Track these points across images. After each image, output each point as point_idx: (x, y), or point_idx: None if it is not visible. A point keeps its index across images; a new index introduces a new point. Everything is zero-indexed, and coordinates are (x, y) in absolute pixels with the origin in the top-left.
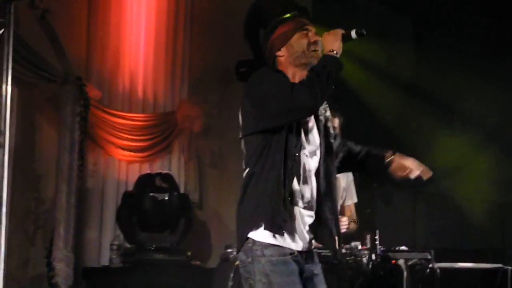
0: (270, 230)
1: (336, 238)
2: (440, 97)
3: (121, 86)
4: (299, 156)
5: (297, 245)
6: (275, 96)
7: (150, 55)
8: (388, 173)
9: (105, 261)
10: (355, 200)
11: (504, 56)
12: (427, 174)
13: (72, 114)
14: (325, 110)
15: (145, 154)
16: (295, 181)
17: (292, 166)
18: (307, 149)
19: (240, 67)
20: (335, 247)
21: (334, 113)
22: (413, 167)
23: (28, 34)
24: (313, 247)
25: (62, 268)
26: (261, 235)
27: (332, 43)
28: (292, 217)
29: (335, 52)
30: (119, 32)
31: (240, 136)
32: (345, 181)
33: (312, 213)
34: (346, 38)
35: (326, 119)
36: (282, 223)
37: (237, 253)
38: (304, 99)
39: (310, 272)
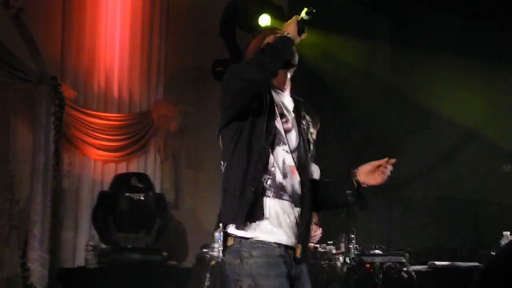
0: (245, 222)
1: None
2: (416, 96)
3: (96, 85)
4: (269, 148)
5: (284, 239)
6: (228, 80)
7: (125, 55)
8: (361, 193)
9: (80, 262)
10: None
11: (480, 56)
12: (391, 163)
13: (47, 114)
14: (308, 125)
15: (121, 154)
16: (277, 173)
17: (259, 157)
18: (287, 146)
19: (216, 67)
20: (307, 247)
21: (313, 119)
22: (380, 170)
23: (2, 33)
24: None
25: (37, 269)
26: (241, 230)
27: (287, 27)
28: (274, 209)
29: (286, 33)
30: (94, 32)
31: (217, 132)
32: None
33: (299, 209)
34: (301, 21)
35: (309, 132)
36: (258, 215)
37: (223, 253)
38: (251, 72)
39: (298, 273)
